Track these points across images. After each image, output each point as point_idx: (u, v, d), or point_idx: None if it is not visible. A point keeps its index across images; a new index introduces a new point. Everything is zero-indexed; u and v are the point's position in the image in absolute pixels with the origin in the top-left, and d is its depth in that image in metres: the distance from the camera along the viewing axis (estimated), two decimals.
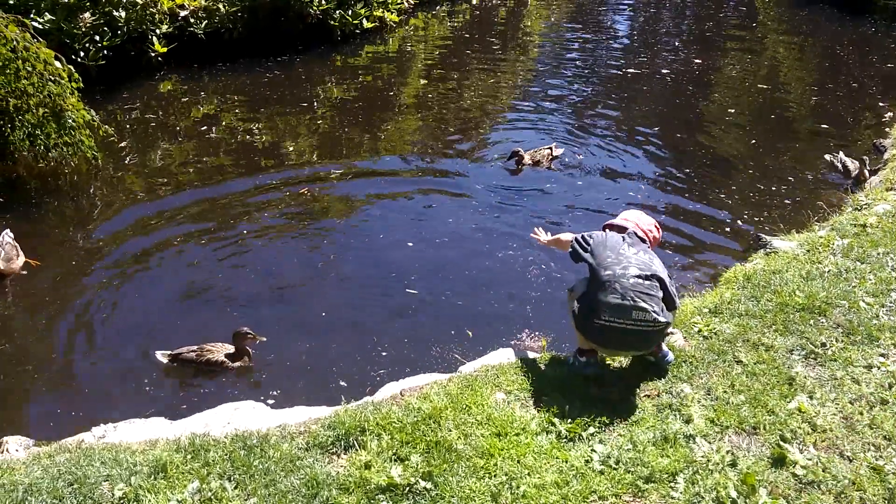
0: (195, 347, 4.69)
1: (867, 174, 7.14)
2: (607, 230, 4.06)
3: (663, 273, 3.78)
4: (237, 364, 4.69)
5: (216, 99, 9.94)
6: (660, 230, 4.24)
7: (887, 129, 8.72)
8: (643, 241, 4.01)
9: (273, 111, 9.52)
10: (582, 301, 3.80)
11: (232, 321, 5.11)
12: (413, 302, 5.52)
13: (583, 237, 3.96)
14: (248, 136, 8.60)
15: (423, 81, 11.33)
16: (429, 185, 7.58)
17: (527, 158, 7.92)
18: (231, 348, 4.70)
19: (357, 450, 3.35)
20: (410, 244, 6.33)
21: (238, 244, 6.25)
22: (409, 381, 3.94)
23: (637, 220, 4.15)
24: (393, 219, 6.82)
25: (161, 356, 4.70)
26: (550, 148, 8.07)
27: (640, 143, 8.85)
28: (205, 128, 8.91)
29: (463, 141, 8.88)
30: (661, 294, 3.69)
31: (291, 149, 8.37)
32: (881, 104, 10.12)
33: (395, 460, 3.27)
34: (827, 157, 7.76)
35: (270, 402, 4.23)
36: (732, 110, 10.25)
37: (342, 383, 4.57)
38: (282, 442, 3.38)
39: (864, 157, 7.36)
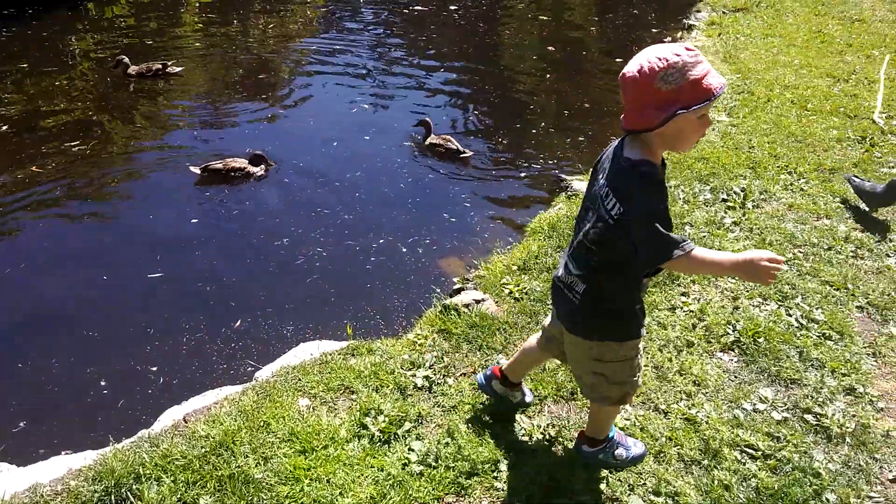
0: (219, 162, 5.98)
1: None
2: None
3: (614, 207, 2.30)
4: (259, 168, 6.09)
5: None
6: (666, 62, 2.13)
7: None
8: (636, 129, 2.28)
9: (16, 75, 8.04)
10: None
11: None
12: (191, 301, 4.63)
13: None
14: None
15: (199, 27, 10.24)
16: (213, 150, 6.76)
17: (132, 69, 8.16)
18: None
19: (133, 503, 2.77)
20: (180, 224, 5.53)
21: None
22: (194, 401, 3.35)
23: (628, 88, 2.25)
24: (160, 201, 5.87)
25: (193, 168, 5.96)
26: (164, 63, 8.25)
27: (429, 86, 8.51)
28: None
29: (264, 90, 8.08)
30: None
31: (49, 119, 7.10)
32: (654, 30, 10.58)
33: None
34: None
35: (18, 458, 3.30)
36: (521, 46, 10.22)
37: (111, 418, 3.75)
38: None
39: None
